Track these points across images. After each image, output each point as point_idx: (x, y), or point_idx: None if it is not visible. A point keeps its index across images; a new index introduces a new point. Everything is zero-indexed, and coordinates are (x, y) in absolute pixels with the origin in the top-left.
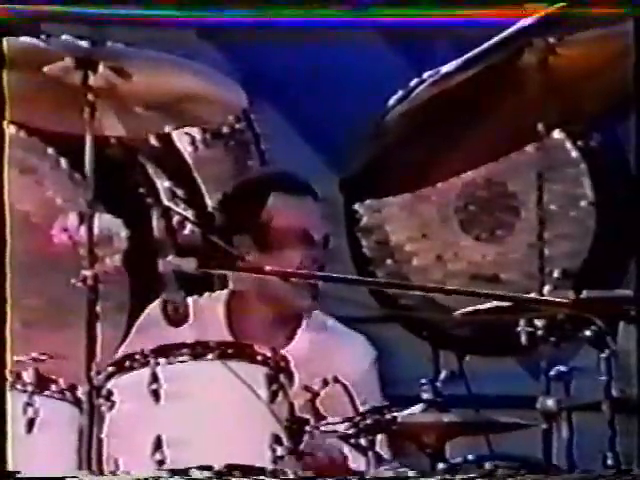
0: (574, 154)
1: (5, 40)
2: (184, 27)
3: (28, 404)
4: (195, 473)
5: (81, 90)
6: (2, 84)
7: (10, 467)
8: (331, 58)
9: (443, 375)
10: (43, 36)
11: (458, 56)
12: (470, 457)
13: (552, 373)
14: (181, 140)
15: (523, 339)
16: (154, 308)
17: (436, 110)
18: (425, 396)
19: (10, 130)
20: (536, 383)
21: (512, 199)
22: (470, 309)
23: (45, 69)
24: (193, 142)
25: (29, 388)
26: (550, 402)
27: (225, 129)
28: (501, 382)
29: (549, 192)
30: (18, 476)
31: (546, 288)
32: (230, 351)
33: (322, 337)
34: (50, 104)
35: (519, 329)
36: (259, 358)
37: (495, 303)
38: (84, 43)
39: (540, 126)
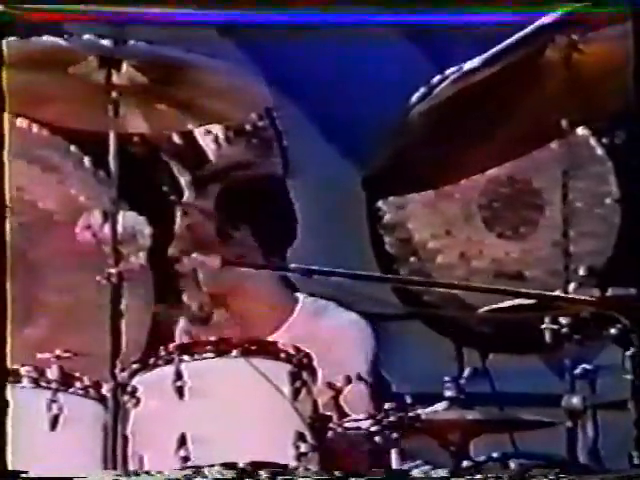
0: (599, 151)
1: (30, 39)
2: (206, 25)
3: (52, 401)
4: (218, 471)
5: (104, 88)
6: (2, 82)
7: (32, 464)
8: (353, 56)
9: (467, 372)
10: (66, 36)
11: (480, 53)
12: (495, 455)
13: (577, 371)
14: (204, 137)
15: (547, 337)
16: None
17: (459, 107)
18: (448, 393)
19: (33, 128)
20: (560, 381)
21: (536, 196)
22: (494, 306)
23: (69, 67)
24: (216, 139)
25: (53, 385)
26: (575, 400)
27: (248, 126)
28: (525, 380)
29: (574, 189)
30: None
31: (571, 286)
32: (253, 348)
33: (316, 319)
34: (73, 102)
35: (543, 327)
36: (282, 355)
37: (519, 301)
38: (107, 42)
39: (564, 123)
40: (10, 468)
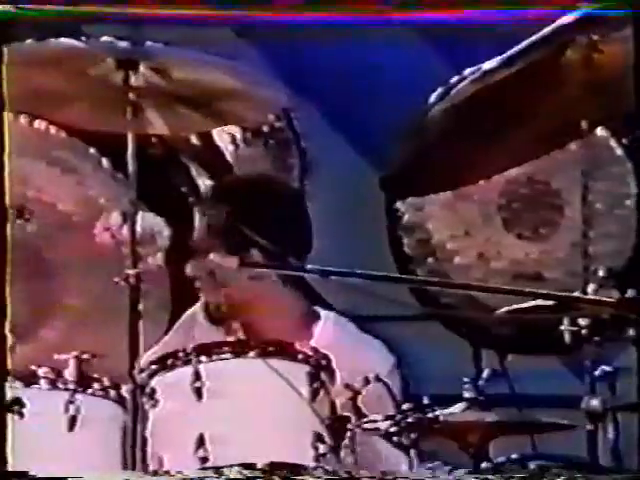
0: (619, 152)
1: (48, 41)
2: (223, 26)
3: (70, 402)
4: (236, 471)
5: (122, 90)
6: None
7: (50, 465)
8: (371, 56)
9: (486, 374)
10: (84, 37)
11: (499, 53)
12: (514, 457)
13: (596, 373)
14: (222, 139)
15: (567, 338)
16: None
17: (477, 107)
18: (467, 395)
19: (51, 130)
20: (580, 383)
21: (556, 197)
22: (512, 308)
23: (87, 69)
24: (234, 141)
25: (71, 386)
26: (595, 402)
27: (265, 128)
28: (544, 382)
29: (593, 190)
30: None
31: (590, 287)
32: (271, 349)
33: (339, 339)
34: (92, 104)
35: (563, 328)
36: (300, 356)
37: (538, 302)
38: (124, 43)
39: (584, 123)
40: (29, 469)
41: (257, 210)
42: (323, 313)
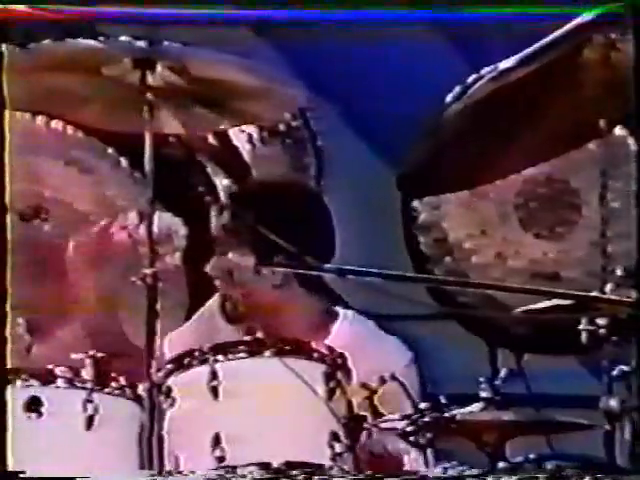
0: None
1: (65, 41)
2: (240, 25)
3: (88, 401)
4: (253, 471)
5: (140, 89)
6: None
7: (67, 464)
8: (388, 55)
9: (503, 373)
10: (101, 37)
11: (517, 52)
12: (531, 456)
13: (614, 373)
14: (238, 138)
15: (584, 338)
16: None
17: (494, 106)
18: (484, 394)
19: (69, 130)
20: (598, 383)
21: (574, 196)
22: (530, 307)
23: (104, 69)
24: (250, 140)
25: (88, 385)
26: (613, 402)
27: (282, 127)
28: (561, 381)
29: (612, 189)
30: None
31: (608, 287)
32: (287, 348)
33: (357, 336)
34: (108, 104)
35: (580, 328)
36: (316, 355)
37: (555, 301)
38: (141, 43)
39: (602, 122)
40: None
41: (280, 215)
42: (342, 312)
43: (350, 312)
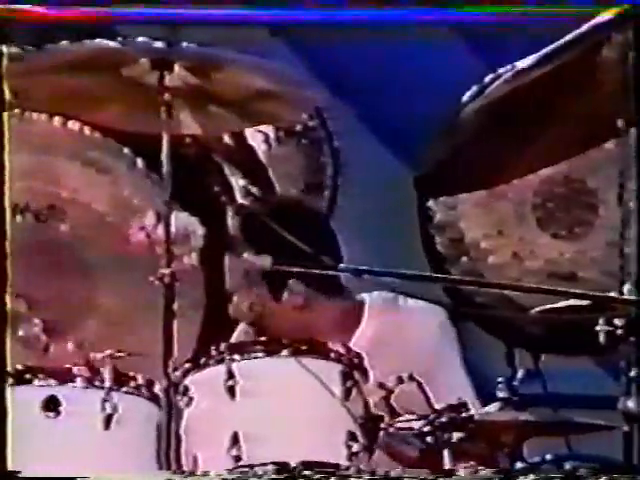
0: None
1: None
2: (257, 25)
3: (106, 400)
4: (270, 470)
5: (157, 90)
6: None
7: (85, 463)
8: (405, 55)
9: (520, 374)
10: (119, 38)
11: (534, 51)
12: (549, 457)
13: (632, 374)
14: (255, 138)
15: (602, 338)
16: None
17: (512, 106)
18: (501, 395)
19: (85, 131)
20: (615, 383)
21: (591, 196)
22: (547, 307)
23: (122, 70)
24: (267, 140)
25: (107, 384)
26: (631, 403)
27: (298, 127)
28: (579, 382)
29: (630, 189)
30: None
31: (626, 287)
32: (304, 348)
33: (388, 312)
34: (126, 105)
35: (598, 328)
36: (333, 355)
37: (572, 301)
38: (159, 44)
39: (620, 122)
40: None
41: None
42: (366, 297)
43: (374, 294)
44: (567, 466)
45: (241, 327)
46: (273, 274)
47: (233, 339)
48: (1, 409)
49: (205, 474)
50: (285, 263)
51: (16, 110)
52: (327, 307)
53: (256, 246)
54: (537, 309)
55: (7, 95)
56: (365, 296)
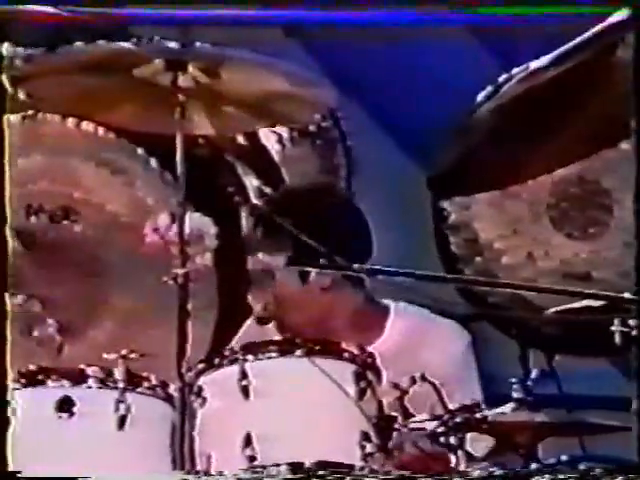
0: None
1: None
2: (271, 26)
3: (119, 401)
4: (284, 470)
5: (171, 91)
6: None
7: (100, 464)
8: (418, 55)
9: (534, 374)
10: (133, 39)
11: (548, 52)
12: (564, 458)
13: None
14: (268, 139)
15: (617, 339)
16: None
17: (526, 106)
18: (516, 395)
19: (100, 132)
20: (630, 384)
21: (606, 196)
22: (562, 308)
23: (135, 70)
24: (280, 140)
25: (120, 385)
26: None
27: (312, 127)
28: (593, 382)
29: None
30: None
31: None
32: (317, 348)
33: (412, 329)
34: (140, 105)
35: (613, 329)
36: (346, 355)
37: (587, 302)
38: (173, 44)
39: (634, 123)
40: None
41: (315, 221)
42: (392, 305)
43: (401, 303)
44: (582, 467)
45: (249, 322)
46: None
47: (240, 334)
48: (2, 410)
49: (219, 474)
50: (299, 262)
51: (30, 111)
52: (352, 295)
53: (275, 243)
54: (552, 310)
55: (6, 97)
56: (391, 303)
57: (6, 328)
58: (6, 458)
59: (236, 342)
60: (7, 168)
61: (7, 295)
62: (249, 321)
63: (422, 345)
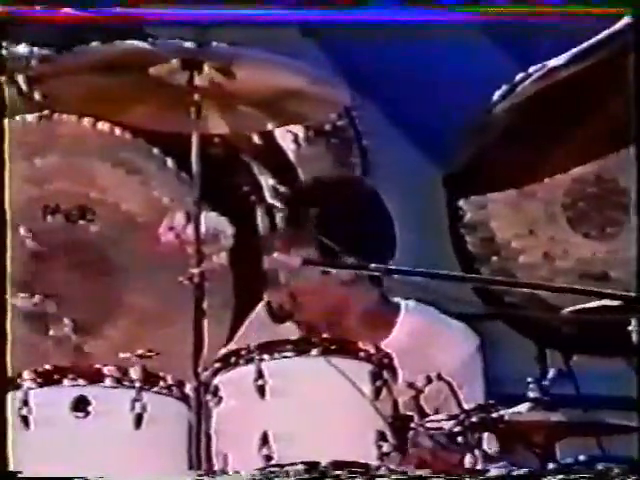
0: None
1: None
2: (287, 25)
3: (136, 400)
4: (300, 470)
5: (187, 90)
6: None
7: (116, 463)
8: (434, 53)
9: (551, 374)
10: (150, 39)
11: (566, 50)
12: (582, 458)
13: None
14: (284, 138)
15: (634, 339)
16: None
17: (542, 105)
18: (532, 395)
19: (116, 131)
20: None
21: (623, 196)
22: (578, 307)
23: (151, 70)
24: (296, 140)
25: (136, 384)
26: None
27: (327, 126)
28: (610, 383)
29: None
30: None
31: None
32: (333, 347)
33: (421, 328)
34: (156, 105)
35: (630, 328)
36: (362, 354)
37: (604, 302)
38: (189, 44)
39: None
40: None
41: (339, 217)
42: (402, 303)
43: (411, 302)
44: (599, 467)
45: (259, 308)
46: (326, 246)
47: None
48: (1, 410)
49: (236, 473)
50: (316, 262)
51: (46, 111)
52: (368, 292)
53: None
54: (569, 309)
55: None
56: (401, 302)
57: (6, 328)
58: (6, 458)
59: (237, 339)
60: (7, 170)
61: (8, 295)
62: (249, 319)
63: (430, 346)
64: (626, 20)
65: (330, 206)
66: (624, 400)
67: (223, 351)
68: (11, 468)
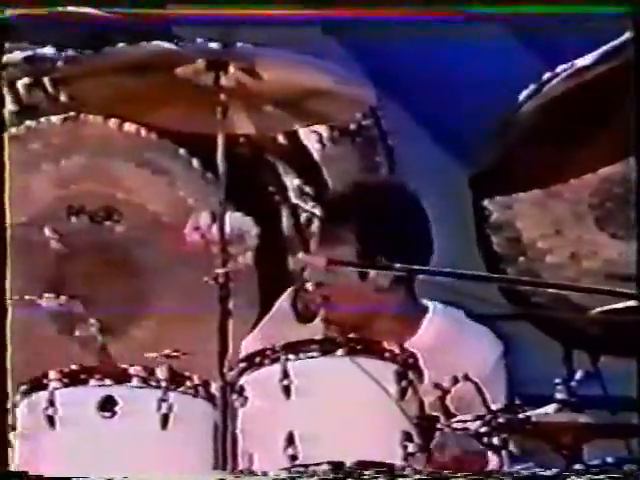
0: None
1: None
2: (311, 25)
3: (162, 400)
4: (325, 470)
5: (213, 91)
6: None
7: (143, 463)
8: (460, 53)
9: (579, 375)
10: (176, 40)
11: (594, 50)
12: (609, 459)
13: None
14: (309, 138)
15: None
16: (284, 301)
17: (570, 105)
18: (559, 396)
19: (142, 132)
20: None
21: None
22: (606, 308)
23: (177, 71)
24: (321, 139)
25: (163, 384)
26: None
27: (352, 126)
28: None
29: None
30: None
31: None
32: (359, 347)
33: (447, 329)
34: (182, 106)
35: None
36: (387, 355)
37: (631, 302)
38: (215, 45)
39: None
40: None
41: (381, 223)
42: (430, 305)
43: (439, 304)
44: (626, 468)
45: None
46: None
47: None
48: (2, 410)
49: (263, 474)
50: (341, 262)
51: (72, 113)
52: (399, 296)
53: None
54: (596, 310)
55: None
56: (429, 304)
57: (6, 330)
58: (7, 458)
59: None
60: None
61: (7, 297)
62: (264, 321)
63: (455, 348)
64: None
65: (373, 211)
66: None
67: (244, 343)
68: (37, 468)
